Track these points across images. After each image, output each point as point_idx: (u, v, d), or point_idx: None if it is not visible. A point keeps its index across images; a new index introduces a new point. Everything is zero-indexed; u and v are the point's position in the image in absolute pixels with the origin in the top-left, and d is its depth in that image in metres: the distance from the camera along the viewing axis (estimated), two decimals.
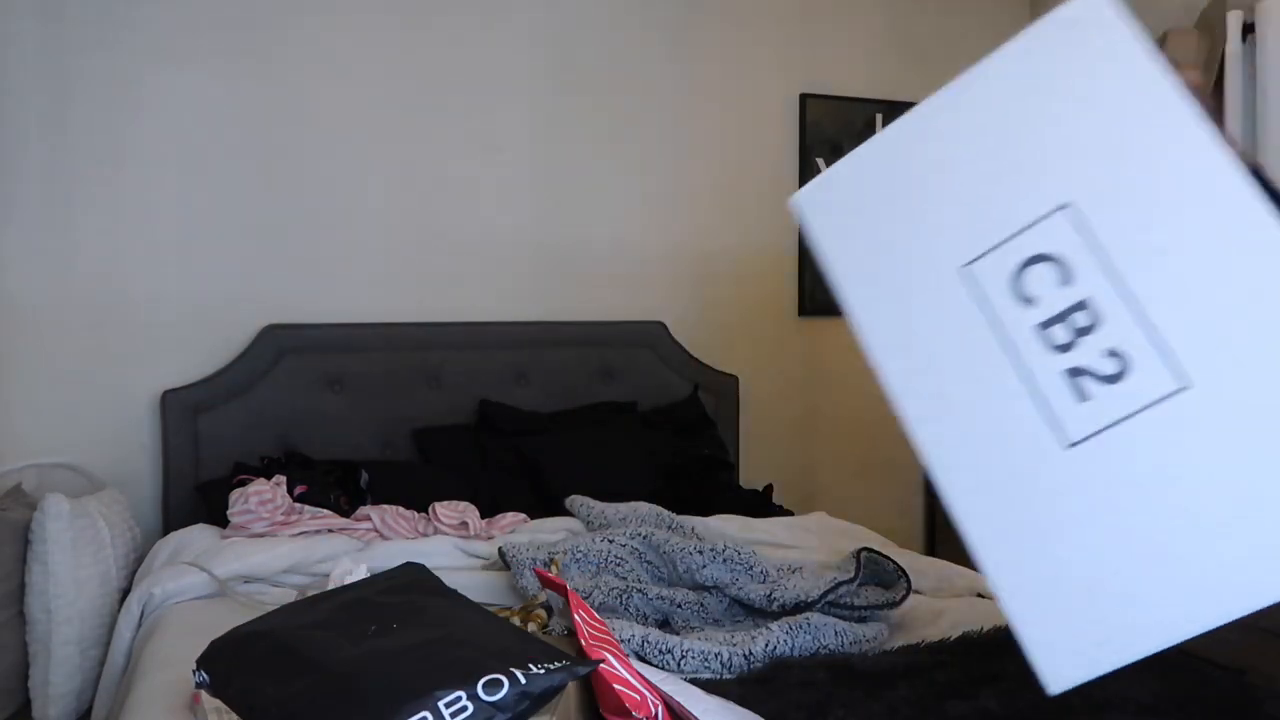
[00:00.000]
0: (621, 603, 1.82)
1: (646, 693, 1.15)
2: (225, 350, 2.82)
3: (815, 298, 3.54)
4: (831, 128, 3.53)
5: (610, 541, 2.06)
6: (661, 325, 3.30)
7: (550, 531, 2.38)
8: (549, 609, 1.76)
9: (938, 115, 1.18)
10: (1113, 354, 0.98)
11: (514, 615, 1.76)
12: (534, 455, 2.83)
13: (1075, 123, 1.05)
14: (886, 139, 1.21)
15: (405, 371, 2.98)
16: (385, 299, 3.00)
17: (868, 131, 3.57)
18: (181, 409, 2.74)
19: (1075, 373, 1.00)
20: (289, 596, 2.00)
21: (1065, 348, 1.00)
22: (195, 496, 2.66)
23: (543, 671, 1.10)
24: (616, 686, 1.12)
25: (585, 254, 3.24)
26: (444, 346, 3.03)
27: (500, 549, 2.07)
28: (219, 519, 2.40)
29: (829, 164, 3.54)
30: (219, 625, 1.41)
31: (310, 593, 1.88)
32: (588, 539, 2.09)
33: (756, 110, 3.45)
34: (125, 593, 2.28)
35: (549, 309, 3.19)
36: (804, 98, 3.49)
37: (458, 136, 3.08)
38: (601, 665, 1.13)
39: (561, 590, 1.37)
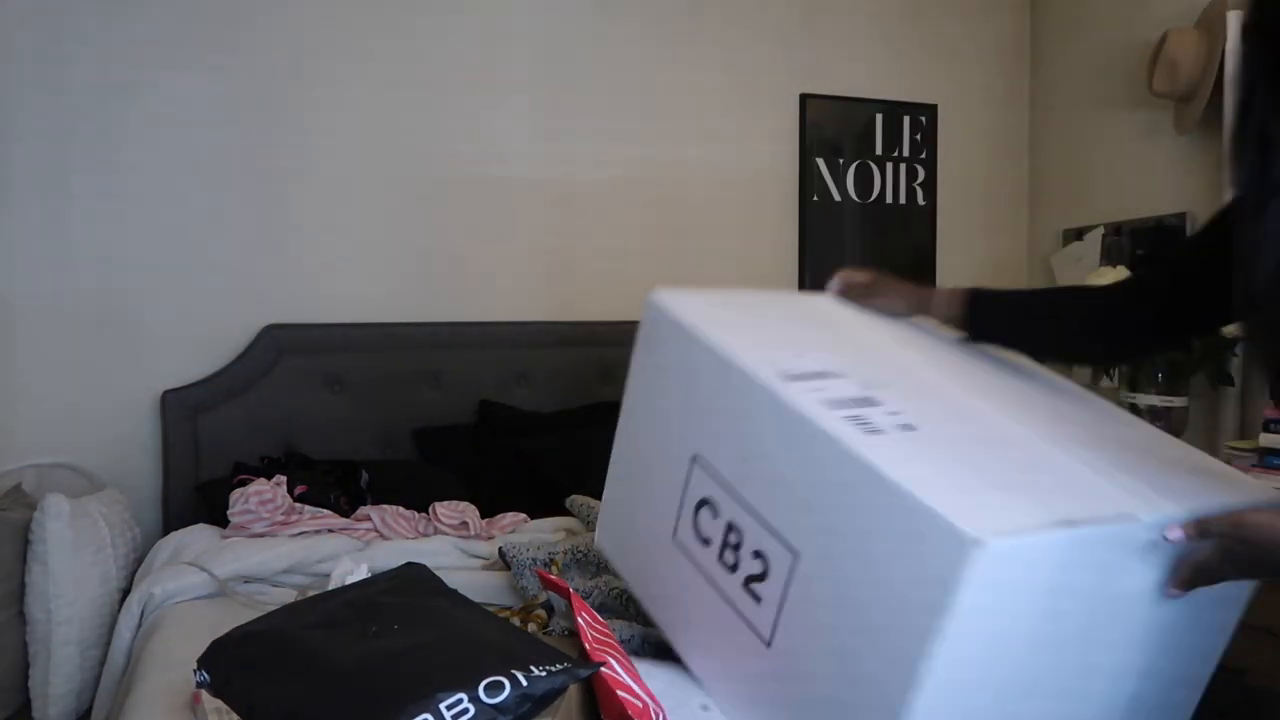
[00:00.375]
0: (621, 603, 1.82)
1: (649, 700, 1.14)
2: (225, 350, 2.82)
3: None
4: (831, 128, 3.53)
5: None
6: None
7: (550, 531, 2.38)
8: (549, 609, 1.76)
9: (624, 422, 1.53)
10: (757, 554, 1.18)
11: (514, 615, 1.76)
12: (534, 455, 2.83)
13: (684, 390, 1.35)
14: (613, 457, 1.56)
15: (405, 371, 2.98)
16: (385, 299, 3.00)
17: (868, 131, 3.58)
18: (181, 409, 2.74)
19: (748, 581, 1.20)
20: (289, 596, 2.00)
21: (734, 566, 1.22)
22: (195, 496, 2.66)
23: (544, 673, 1.10)
24: (619, 693, 1.11)
25: (586, 254, 3.24)
26: (444, 346, 3.02)
27: (500, 549, 2.06)
28: (219, 519, 2.40)
29: (828, 165, 3.54)
30: (219, 625, 1.41)
31: (310, 593, 1.88)
32: (588, 539, 2.09)
33: (756, 110, 3.45)
34: (125, 593, 2.28)
35: (549, 309, 3.19)
36: (804, 98, 3.49)
37: (457, 136, 3.07)
38: (605, 670, 1.13)
39: (565, 593, 1.37)
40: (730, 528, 1.22)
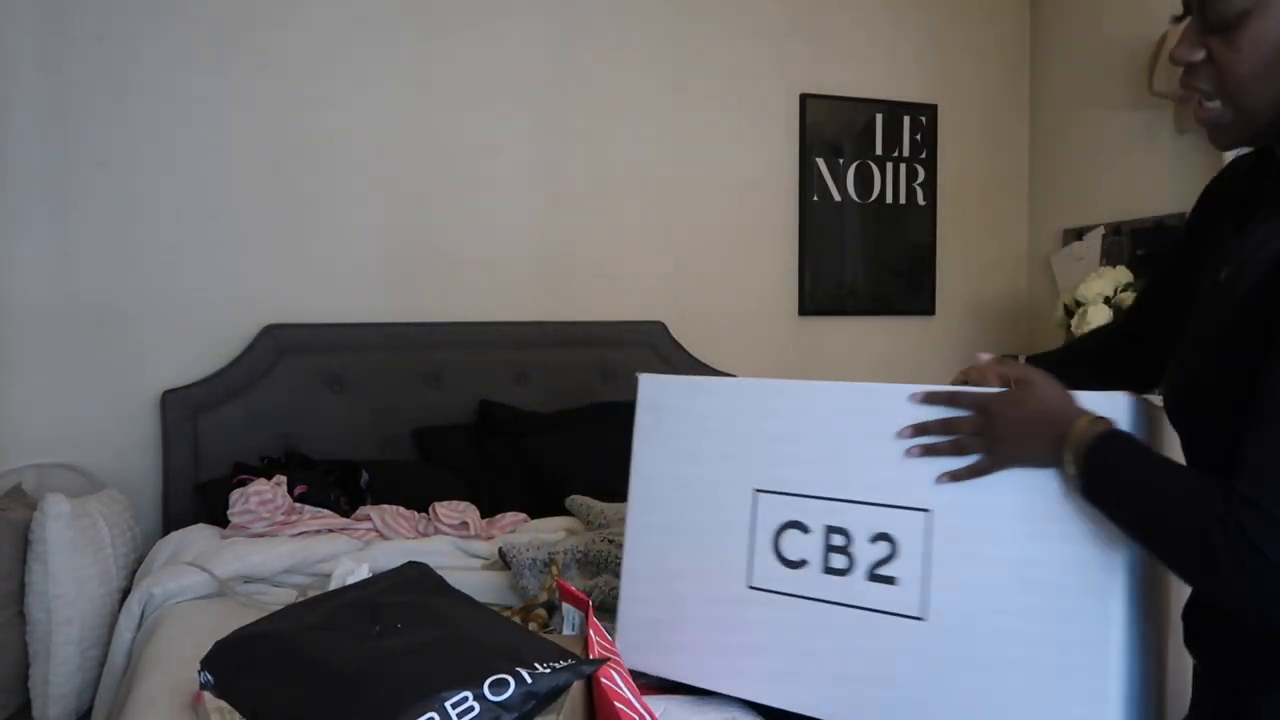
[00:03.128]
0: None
1: (645, 715, 1.14)
2: (225, 350, 2.82)
3: (815, 298, 3.54)
4: (831, 128, 3.53)
5: (610, 542, 2.06)
6: (661, 325, 3.30)
7: (550, 531, 2.38)
8: (550, 609, 1.76)
9: (638, 513, 1.48)
10: (877, 538, 1.22)
11: (514, 615, 1.76)
12: (534, 455, 2.83)
13: (721, 435, 1.37)
14: (627, 556, 1.50)
15: (405, 371, 2.98)
16: (385, 299, 3.00)
17: (868, 131, 3.58)
18: (181, 409, 2.73)
19: (872, 571, 1.22)
20: (289, 596, 2.00)
21: (848, 567, 1.24)
22: (195, 496, 2.66)
23: (548, 671, 1.10)
24: (617, 704, 1.11)
25: (585, 254, 3.24)
26: (444, 346, 3.02)
27: (500, 549, 2.06)
28: (219, 519, 2.40)
29: (828, 165, 3.54)
30: (219, 625, 1.41)
31: (311, 593, 1.88)
32: (587, 538, 2.09)
33: (756, 110, 3.45)
34: (125, 593, 2.28)
35: (549, 309, 3.19)
36: (804, 98, 3.49)
37: (458, 136, 3.07)
38: (605, 682, 1.13)
39: (583, 605, 1.37)
40: (830, 532, 1.25)
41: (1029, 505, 1.12)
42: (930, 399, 1.17)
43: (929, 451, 1.15)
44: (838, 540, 1.24)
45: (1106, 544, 1.07)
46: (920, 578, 1.17)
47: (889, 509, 1.20)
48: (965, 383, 1.63)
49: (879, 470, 1.21)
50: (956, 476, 1.14)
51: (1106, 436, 1.01)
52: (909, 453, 1.16)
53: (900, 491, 1.19)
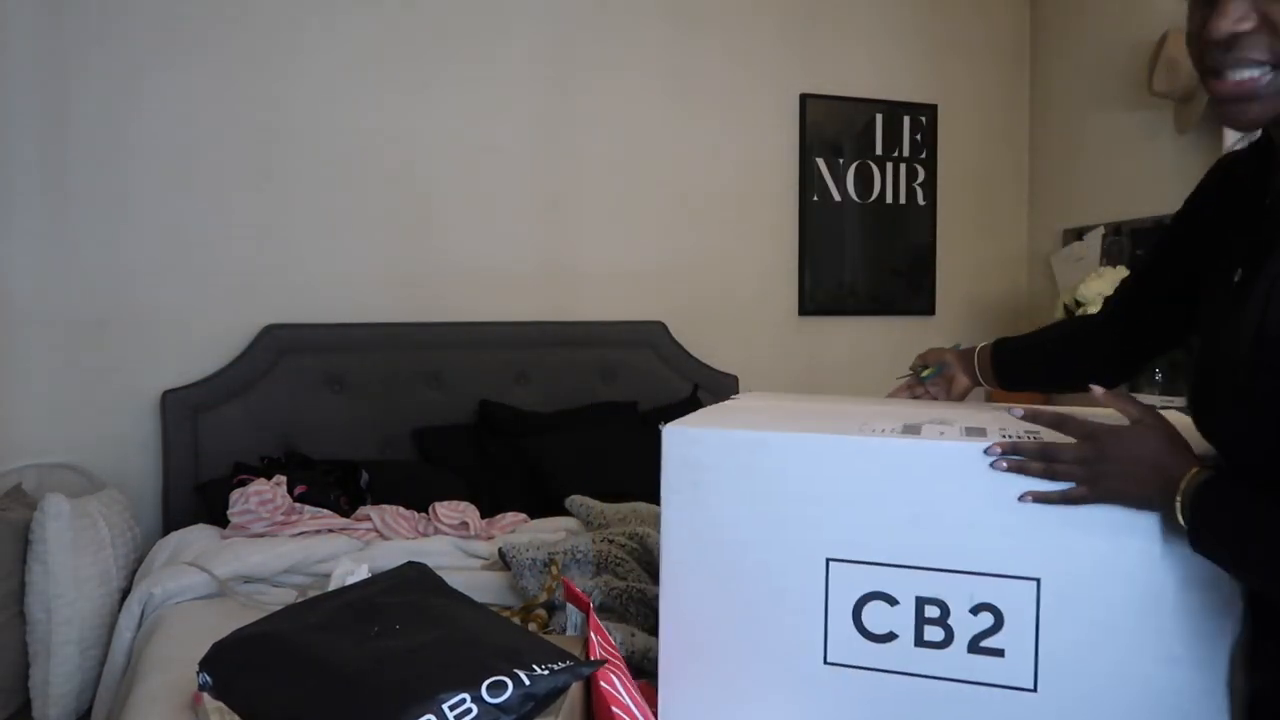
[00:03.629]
0: (621, 603, 1.81)
1: None
2: (225, 350, 2.82)
3: (815, 298, 3.54)
4: (831, 128, 3.53)
5: (609, 542, 2.06)
6: (661, 325, 3.30)
7: (550, 531, 2.38)
8: (550, 609, 1.76)
9: (673, 590, 1.33)
10: (978, 609, 1.14)
11: (514, 615, 1.76)
12: (534, 455, 2.83)
13: (782, 498, 1.21)
14: (663, 640, 1.35)
15: (405, 371, 2.98)
16: (385, 299, 3.00)
17: (868, 131, 3.58)
18: (181, 409, 2.73)
19: (974, 643, 1.14)
20: (289, 596, 2.00)
21: (946, 639, 1.16)
22: (195, 496, 2.66)
23: (546, 672, 1.10)
24: (614, 709, 1.11)
25: (585, 253, 3.24)
26: (444, 346, 3.02)
27: (500, 549, 2.06)
28: (219, 519, 2.40)
29: (828, 165, 3.54)
30: (219, 625, 1.41)
31: (311, 593, 1.88)
32: (586, 539, 2.09)
33: (756, 110, 3.45)
34: (125, 593, 2.28)
35: (549, 309, 3.19)
36: (804, 98, 3.49)
37: (458, 137, 3.07)
38: (605, 686, 1.13)
39: (584, 606, 1.36)
40: (923, 603, 1.15)
41: (1145, 572, 1.07)
42: (1034, 417, 1.13)
43: (1017, 469, 1.08)
44: (933, 612, 1.14)
45: (1221, 611, 1.05)
46: (1031, 648, 1.11)
47: (993, 578, 1.12)
48: (924, 365, 1.62)
49: (979, 537, 1.12)
50: (1044, 499, 1.08)
51: (1209, 483, 0.97)
52: (994, 466, 1.09)
53: (1005, 560, 1.11)
